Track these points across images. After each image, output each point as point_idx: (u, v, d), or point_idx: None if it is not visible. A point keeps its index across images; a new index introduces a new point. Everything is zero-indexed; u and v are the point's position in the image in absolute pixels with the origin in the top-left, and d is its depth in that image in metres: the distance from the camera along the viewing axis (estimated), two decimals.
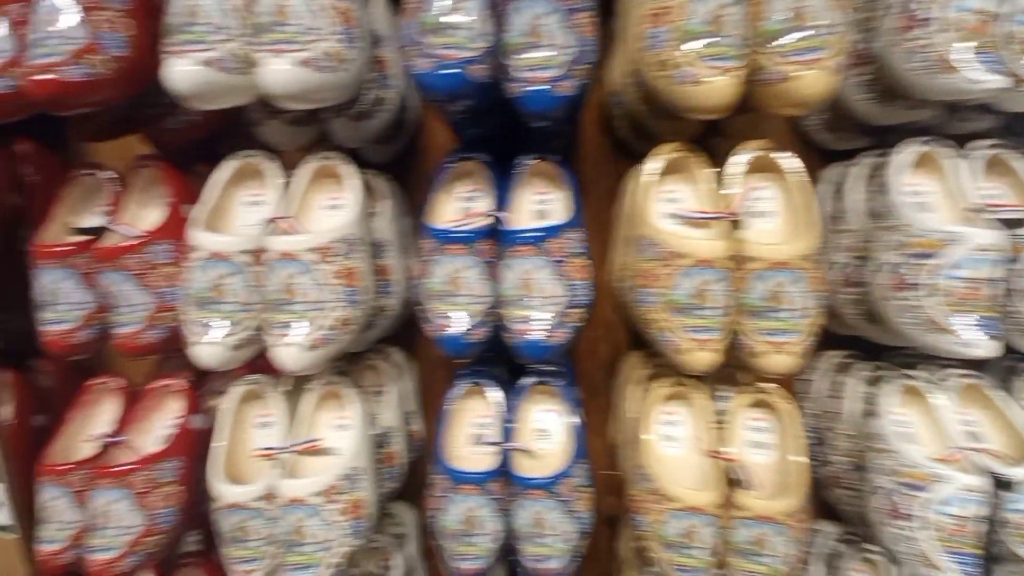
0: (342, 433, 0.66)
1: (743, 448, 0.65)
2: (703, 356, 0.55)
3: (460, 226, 0.59)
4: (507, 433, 0.65)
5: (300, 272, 0.56)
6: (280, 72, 0.50)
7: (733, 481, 0.61)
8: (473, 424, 0.70)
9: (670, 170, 0.62)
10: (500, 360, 0.77)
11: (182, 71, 0.51)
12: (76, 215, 0.71)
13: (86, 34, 0.56)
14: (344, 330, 0.58)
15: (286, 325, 0.55)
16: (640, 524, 0.61)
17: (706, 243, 0.55)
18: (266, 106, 0.65)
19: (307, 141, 0.71)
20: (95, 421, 0.73)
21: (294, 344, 0.55)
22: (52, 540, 0.65)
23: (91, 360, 0.95)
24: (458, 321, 0.58)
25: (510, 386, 0.69)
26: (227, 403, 0.66)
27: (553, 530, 0.60)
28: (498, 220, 0.60)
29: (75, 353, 0.66)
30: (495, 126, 0.69)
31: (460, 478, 0.60)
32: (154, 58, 0.63)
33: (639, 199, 0.60)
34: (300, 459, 0.64)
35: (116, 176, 0.71)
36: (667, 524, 0.59)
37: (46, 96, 0.54)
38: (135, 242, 0.64)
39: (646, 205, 0.60)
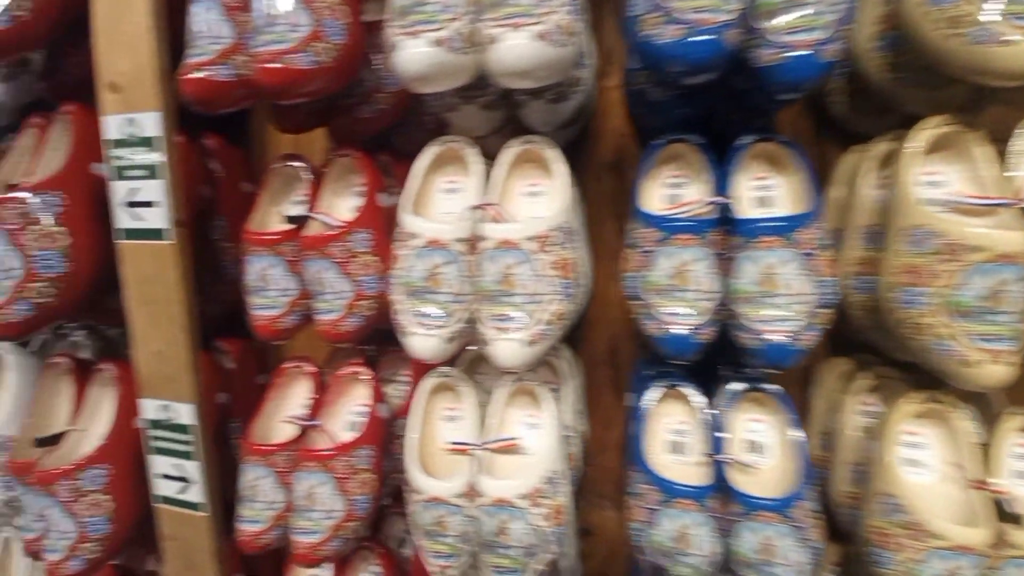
0: (534, 432, 0.63)
1: (1010, 479, 0.54)
2: (995, 370, 0.46)
3: (687, 214, 0.54)
4: (716, 444, 0.59)
5: (519, 262, 0.53)
6: (516, 47, 0.47)
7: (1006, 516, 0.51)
8: (670, 430, 0.64)
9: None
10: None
11: (414, 53, 0.49)
12: (277, 205, 0.74)
13: (311, 21, 0.56)
14: (559, 325, 0.54)
15: (504, 318, 0.53)
16: (887, 561, 0.53)
17: (1012, 235, 0.45)
18: (462, 90, 0.63)
19: (497, 126, 0.69)
20: (288, 403, 0.75)
21: (514, 339, 0.52)
22: (255, 520, 0.67)
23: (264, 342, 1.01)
24: (685, 319, 0.52)
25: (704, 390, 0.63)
26: (419, 395, 0.65)
27: (784, 559, 0.53)
28: (727, 208, 0.54)
29: (281, 337, 0.68)
30: (707, 105, 0.63)
31: (676, 491, 0.55)
32: (364, 46, 0.63)
33: (900, 182, 0.52)
34: (493, 457, 0.61)
35: (311, 167, 0.73)
36: (926, 564, 0.50)
37: (275, 85, 0.55)
38: (338, 231, 0.64)
39: (910, 189, 0.51)
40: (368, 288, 0.65)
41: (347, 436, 0.70)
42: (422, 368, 0.78)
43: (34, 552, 0.82)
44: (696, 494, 0.55)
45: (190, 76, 0.57)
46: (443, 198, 0.64)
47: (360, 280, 0.64)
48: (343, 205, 0.72)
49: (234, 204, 0.92)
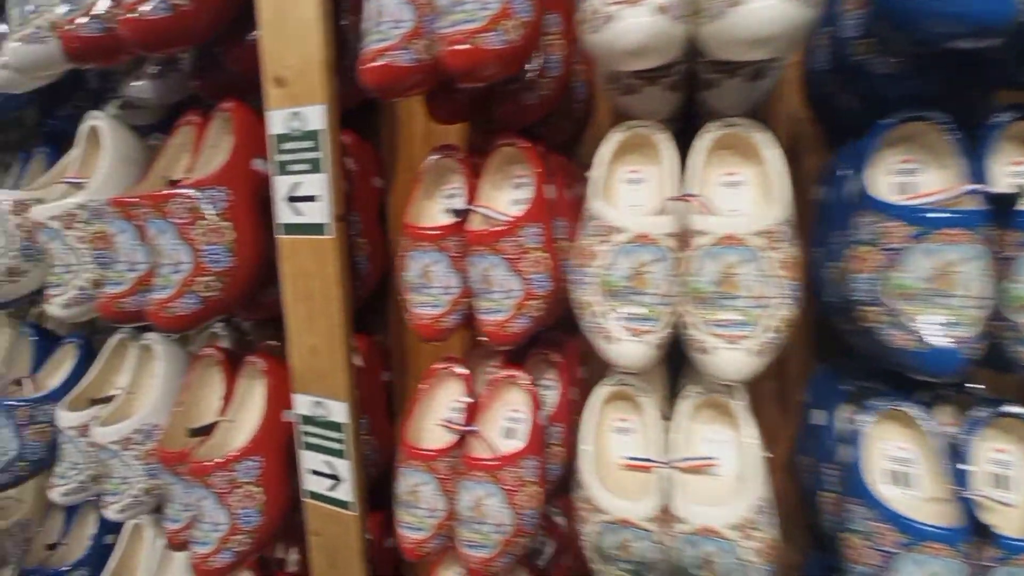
0: (724, 452, 0.57)
1: None
2: None
3: (950, 204, 0.45)
4: (959, 477, 0.50)
5: (743, 261, 0.46)
6: (769, 8, 0.41)
7: None
8: (887, 457, 0.55)
9: None
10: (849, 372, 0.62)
11: (635, 23, 0.43)
12: (430, 198, 0.71)
13: None
14: (785, 333, 0.47)
15: (726, 324, 0.46)
16: None
17: None
18: (648, 69, 0.57)
19: (676, 110, 0.62)
20: (438, 405, 0.73)
21: (741, 348, 0.45)
22: (419, 528, 0.64)
23: (387, 341, 1.00)
24: (948, 330, 0.44)
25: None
26: (593, 404, 0.60)
27: None
28: (996, 198, 0.45)
29: (442, 337, 0.65)
30: (941, 80, 0.53)
31: (924, 533, 0.47)
32: (543, 22, 0.58)
33: None
34: (682, 477, 0.55)
35: (465, 158, 0.69)
36: None
37: (465, 67, 0.51)
38: (509, 225, 0.60)
39: None
40: (538, 287, 0.60)
41: (503, 443, 0.66)
42: (569, 373, 0.73)
43: (179, 543, 0.82)
44: (950, 537, 0.46)
45: (374, 64, 0.54)
46: (626, 189, 0.58)
47: (530, 278, 0.60)
48: (502, 198, 0.68)
49: (367, 200, 0.91)
